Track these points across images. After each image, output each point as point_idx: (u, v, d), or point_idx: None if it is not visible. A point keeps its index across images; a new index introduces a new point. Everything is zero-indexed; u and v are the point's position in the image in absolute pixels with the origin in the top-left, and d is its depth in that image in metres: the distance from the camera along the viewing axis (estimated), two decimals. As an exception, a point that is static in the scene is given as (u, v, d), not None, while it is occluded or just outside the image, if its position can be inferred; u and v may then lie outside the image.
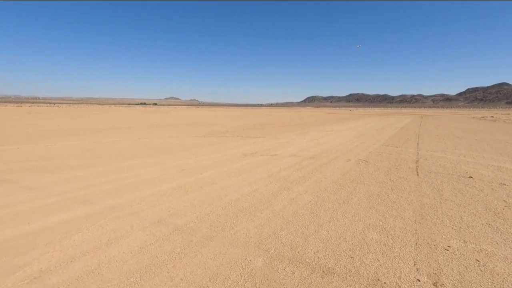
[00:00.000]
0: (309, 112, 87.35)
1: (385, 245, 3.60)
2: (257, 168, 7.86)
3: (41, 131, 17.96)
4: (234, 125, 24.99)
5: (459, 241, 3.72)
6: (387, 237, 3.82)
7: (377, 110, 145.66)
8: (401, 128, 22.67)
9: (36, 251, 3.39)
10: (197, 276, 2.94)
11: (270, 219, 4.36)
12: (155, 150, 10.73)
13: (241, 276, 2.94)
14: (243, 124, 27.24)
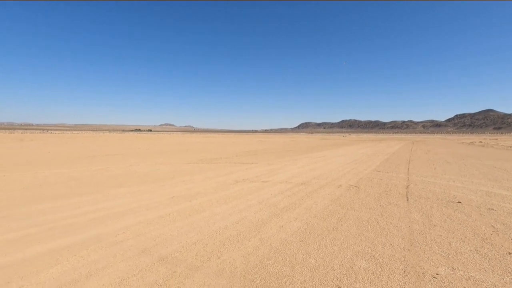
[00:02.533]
0: (303, 138, 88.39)
1: (373, 273, 3.53)
2: (248, 195, 7.80)
3: (30, 158, 17.69)
4: (228, 151, 25.04)
5: (448, 268, 3.68)
6: (376, 265, 3.76)
7: (370, 135, 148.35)
8: (392, 154, 23.00)
9: (9, 285, 3.23)
10: (178, 309, 2.82)
11: (258, 248, 4.27)
12: (145, 178, 10.61)
13: (224, 309, 2.83)
14: (237, 150, 27.33)
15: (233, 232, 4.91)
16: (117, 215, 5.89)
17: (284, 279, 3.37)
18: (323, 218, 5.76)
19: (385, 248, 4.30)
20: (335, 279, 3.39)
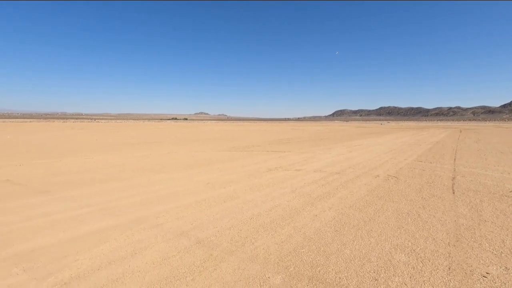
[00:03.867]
0: (337, 126, 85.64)
1: (413, 268, 3.36)
2: (281, 183, 7.80)
3: (80, 145, 19.37)
4: (260, 140, 25.16)
5: (500, 267, 3.38)
6: (417, 259, 3.57)
7: (410, 123, 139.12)
8: (436, 143, 21.40)
9: (68, 258, 3.61)
10: (215, 290, 2.94)
11: (291, 236, 4.28)
12: (182, 164, 11.08)
13: (258, 293, 2.90)
14: (269, 138, 27.34)
15: (266, 220, 4.97)
16: (157, 199, 6.26)
17: (318, 268, 3.34)
18: (359, 208, 5.58)
19: (428, 242, 4.06)
20: (372, 271, 3.29)
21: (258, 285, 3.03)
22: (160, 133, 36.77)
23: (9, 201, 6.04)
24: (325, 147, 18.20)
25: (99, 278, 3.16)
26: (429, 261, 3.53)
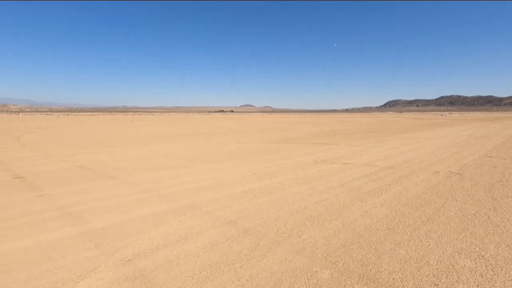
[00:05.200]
0: (390, 117, 79.82)
1: (482, 276, 3.01)
2: (328, 176, 7.58)
3: (139, 136, 21.20)
4: (306, 132, 24.69)
5: None
6: (486, 266, 3.18)
7: (478, 114, 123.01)
8: (510, 136, 18.67)
9: (131, 237, 4.01)
10: (262, 279, 3.00)
11: (339, 231, 4.14)
12: (230, 155, 11.43)
13: (306, 286, 2.88)
14: (315, 130, 26.68)
15: (313, 213, 4.88)
16: (207, 187, 6.57)
17: (370, 267, 3.19)
18: (416, 207, 5.15)
19: (500, 248, 3.59)
20: (431, 275, 3.03)
21: (306, 278, 3.01)
22: (208, 125, 38.39)
23: (82, 184, 6.90)
24: (376, 140, 17.13)
25: (157, 258, 3.44)
26: (502, 269, 3.12)
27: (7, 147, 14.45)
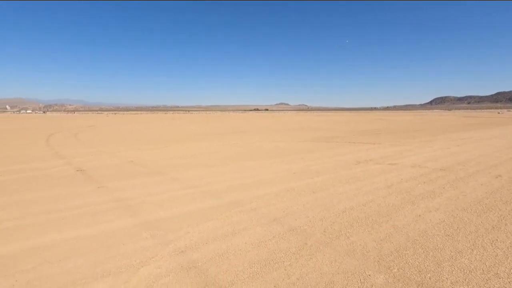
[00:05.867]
0: (436, 115, 73.99)
1: None
2: (373, 177, 7.25)
3: (181, 134, 22.20)
4: (345, 130, 23.89)
5: None
6: None
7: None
8: None
9: (182, 230, 4.21)
10: (313, 279, 2.96)
11: (391, 235, 3.95)
12: (267, 153, 11.47)
13: (359, 289, 2.79)
14: (355, 129, 25.69)
15: (360, 214, 4.71)
16: (249, 184, 6.67)
17: (429, 275, 2.99)
18: (477, 213, 4.72)
19: None
20: (502, 289, 2.75)
21: (359, 281, 2.91)
22: (244, 123, 38.93)
23: (135, 178, 7.41)
24: (423, 140, 16.00)
25: (208, 251, 3.57)
26: None
27: (67, 143, 16.04)
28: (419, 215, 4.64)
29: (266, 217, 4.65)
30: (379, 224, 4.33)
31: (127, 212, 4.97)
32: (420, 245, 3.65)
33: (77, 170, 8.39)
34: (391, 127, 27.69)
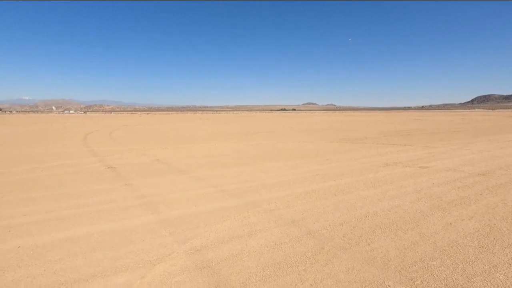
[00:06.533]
0: (478, 115, 68.50)
1: None
2: (401, 180, 6.86)
3: (206, 133, 22.67)
4: (374, 131, 22.93)
5: None
6: None
7: None
8: None
9: (199, 229, 4.27)
10: (327, 286, 2.84)
11: (417, 243, 3.68)
12: (291, 154, 11.32)
13: (377, 300, 2.63)
14: (385, 130, 24.56)
15: (384, 220, 4.46)
16: (269, 185, 6.61)
17: (456, 289, 2.74)
18: (518, 223, 4.27)
19: None
20: (544, 311, 2.45)
21: (377, 291, 2.75)
22: (270, 123, 38.85)
23: (158, 176, 7.67)
24: (461, 142, 14.87)
25: (223, 251, 3.58)
26: None
27: (102, 141, 17.05)
28: (450, 223, 4.29)
29: (284, 219, 4.57)
30: (404, 231, 4.06)
31: (149, 209, 5.14)
32: (448, 256, 3.36)
33: (108, 167, 8.87)
34: (426, 128, 26.10)
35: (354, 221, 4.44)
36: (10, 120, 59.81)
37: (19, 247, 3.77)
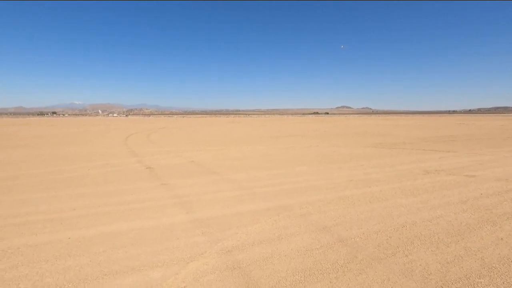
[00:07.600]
0: (537, 120, 61.41)
1: None
2: (444, 189, 6.39)
3: (237, 136, 23.03)
4: (413, 136, 21.62)
5: None
6: None
7: None
8: None
9: (230, 230, 4.35)
10: (361, 296, 2.75)
11: (461, 258, 3.41)
12: (323, 158, 11.09)
13: (414, 316, 2.48)
14: (426, 135, 23.04)
15: (424, 231, 4.19)
16: (301, 189, 6.54)
17: (508, 311, 2.50)
18: None
19: None
20: None
21: (414, 306, 2.59)
22: (302, 127, 38.41)
23: (193, 177, 7.96)
24: (516, 149, 13.46)
25: (253, 253, 3.62)
26: None
27: (141, 143, 18.10)
28: (501, 238, 3.91)
29: (315, 225, 4.49)
30: (447, 244, 3.78)
31: (184, 208, 5.36)
32: (499, 274, 3.07)
33: (146, 168, 9.40)
34: (472, 133, 24.02)
35: (390, 231, 4.24)
36: (62, 122, 65.89)
37: (69, 238, 4.14)
